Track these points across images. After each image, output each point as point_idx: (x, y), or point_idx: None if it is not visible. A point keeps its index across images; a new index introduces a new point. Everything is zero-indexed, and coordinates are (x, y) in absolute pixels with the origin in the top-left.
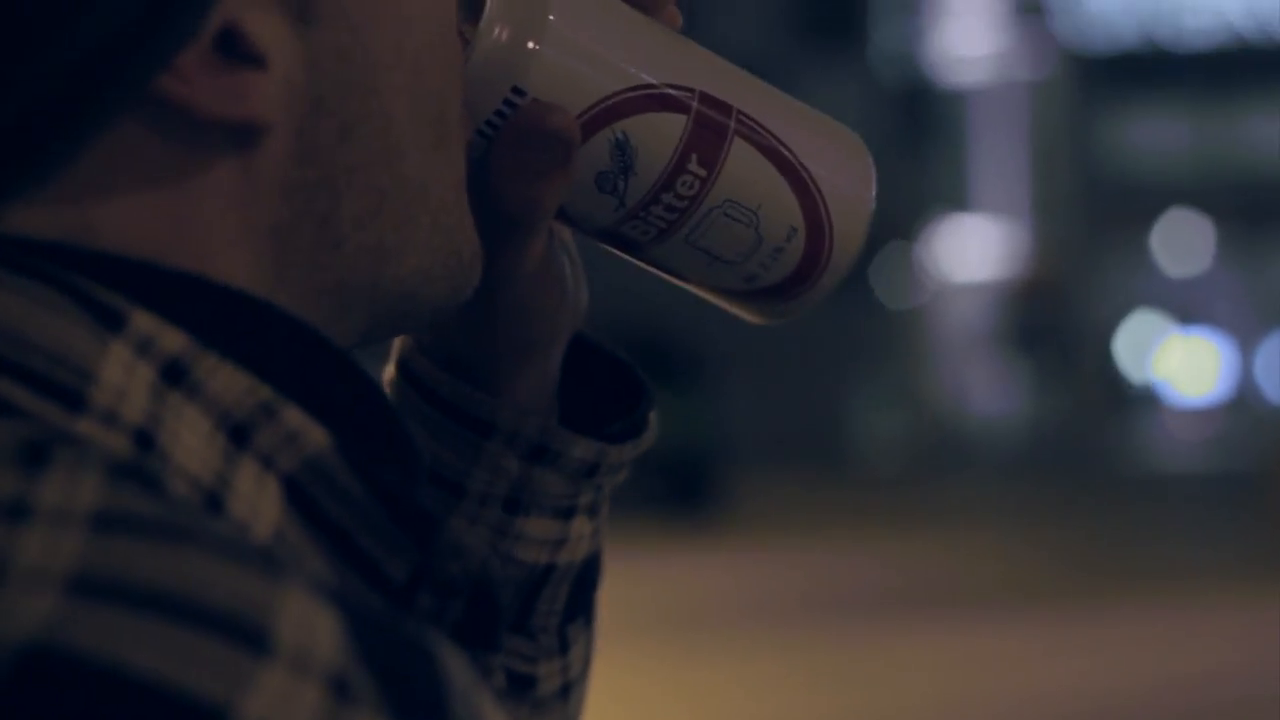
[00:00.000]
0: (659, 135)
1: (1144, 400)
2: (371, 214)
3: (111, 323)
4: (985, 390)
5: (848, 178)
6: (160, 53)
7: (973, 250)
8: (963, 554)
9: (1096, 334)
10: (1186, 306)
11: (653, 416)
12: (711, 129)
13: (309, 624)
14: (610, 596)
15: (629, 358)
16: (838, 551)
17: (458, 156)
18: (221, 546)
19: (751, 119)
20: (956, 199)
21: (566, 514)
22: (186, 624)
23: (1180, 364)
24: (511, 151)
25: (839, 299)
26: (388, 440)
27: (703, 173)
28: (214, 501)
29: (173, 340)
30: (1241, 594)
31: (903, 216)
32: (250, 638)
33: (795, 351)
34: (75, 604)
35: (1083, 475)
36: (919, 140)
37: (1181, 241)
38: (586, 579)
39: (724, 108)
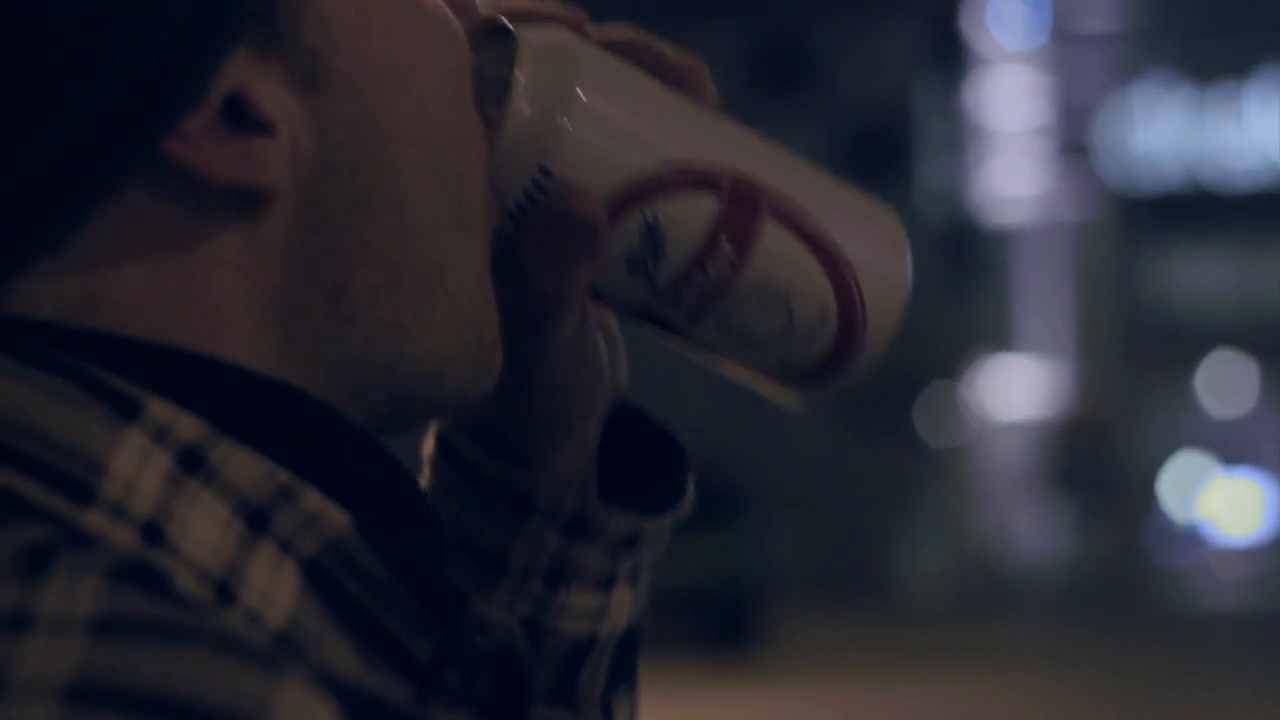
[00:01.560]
0: (689, 216)
1: (1188, 540)
2: (387, 289)
3: (127, 411)
4: (1028, 529)
5: (883, 259)
6: (167, 118)
7: (1016, 389)
8: (1004, 694)
9: (1140, 474)
10: (1231, 447)
11: (691, 485)
12: (743, 209)
13: (307, 718)
14: None
15: (668, 423)
16: (879, 690)
17: (480, 239)
18: (220, 643)
19: (784, 197)
20: (1000, 338)
21: (607, 585)
22: None
23: (1224, 504)
24: (538, 237)
25: (882, 436)
26: (409, 517)
27: (733, 254)
28: (224, 592)
29: (189, 427)
30: None
31: (947, 355)
32: None
33: (838, 488)
34: (71, 712)
35: (1126, 616)
36: (963, 279)
37: (1226, 382)
38: (629, 645)
39: (756, 187)
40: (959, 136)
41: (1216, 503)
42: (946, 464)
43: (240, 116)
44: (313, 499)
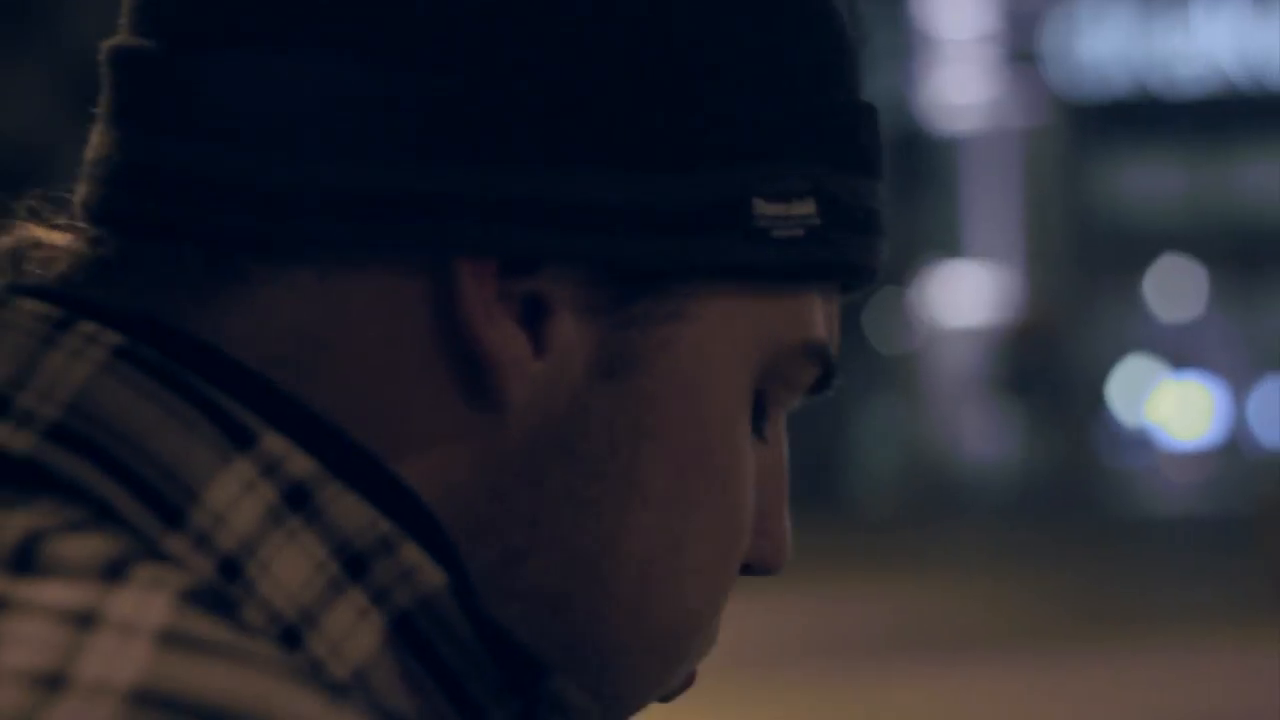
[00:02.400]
0: None
1: (1138, 444)
2: (557, 592)
3: (241, 440)
4: (978, 435)
5: None
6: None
7: (965, 295)
8: (956, 597)
9: (1090, 378)
10: (1179, 351)
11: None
12: None
13: None
14: None
15: None
16: (832, 595)
17: (710, 616)
18: (282, 670)
19: None
20: (949, 245)
21: None
22: None
23: (1173, 408)
24: None
25: None
26: None
27: None
28: (292, 636)
29: (301, 465)
30: (1235, 637)
31: (895, 262)
32: None
33: None
34: (136, 714)
35: (1076, 519)
36: (911, 186)
37: (1174, 287)
38: None
39: None
40: (906, 44)
41: (1165, 407)
42: (896, 370)
43: (531, 317)
44: (412, 553)
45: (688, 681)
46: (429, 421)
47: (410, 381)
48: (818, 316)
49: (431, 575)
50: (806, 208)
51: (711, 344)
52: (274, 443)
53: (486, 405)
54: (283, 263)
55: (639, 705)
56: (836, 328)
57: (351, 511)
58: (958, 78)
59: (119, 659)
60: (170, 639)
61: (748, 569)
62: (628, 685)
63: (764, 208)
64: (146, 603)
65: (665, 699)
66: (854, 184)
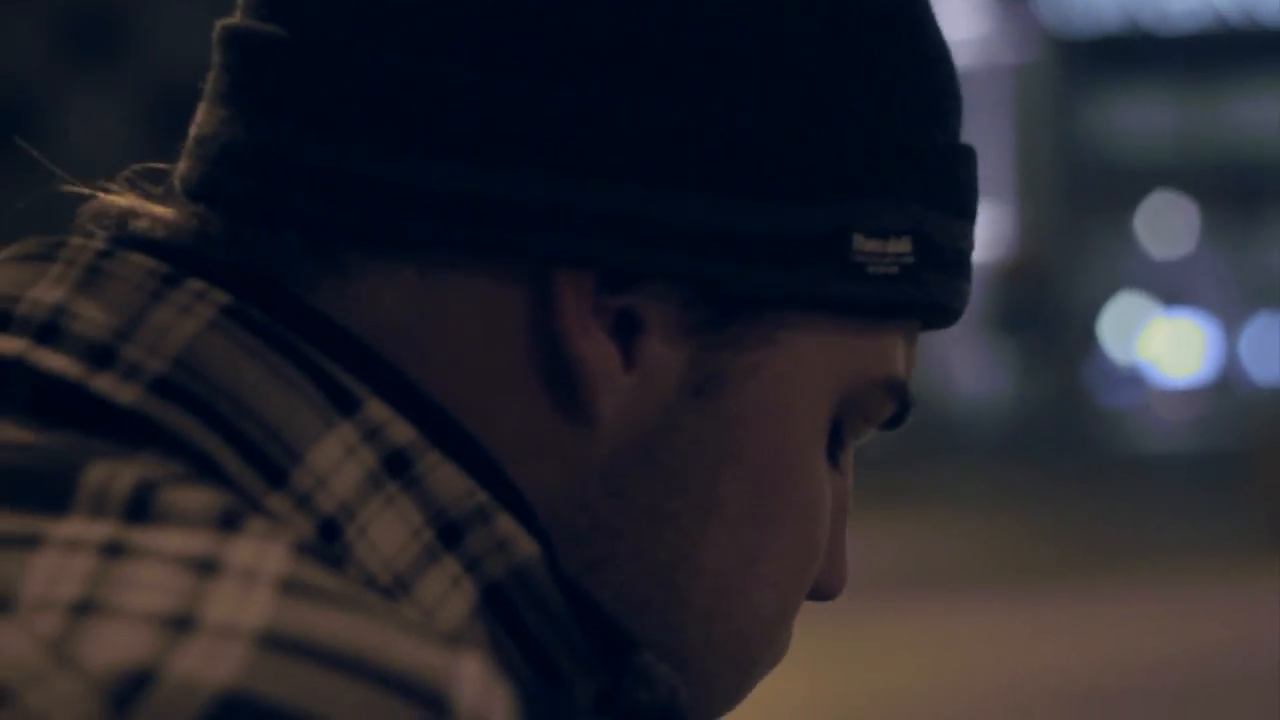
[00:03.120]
0: None
1: (1129, 381)
2: (640, 599)
3: (345, 405)
4: (970, 372)
5: None
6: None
7: None
8: (949, 535)
9: (1081, 316)
10: (1171, 288)
11: None
12: None
13: (486, 694)
14: None
15: None
16: None
17: (781, 629)
18: (399, 619)
19: None
20: None
21: None
22: (372, 684)
23: (1165, 345)
24: None
25: None
26: None
27: None
28: None
29: (402, 431)
30: (1228, 573)
31: None
32: (432, 702)
33: None
34: (266, 656)
35: (1068, 456)
36: None
37: (1166, 223)
38: None
39: None
40: None
41: (1157, 344)
42: None
43: (624, 332)
44: (507, 524)
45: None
46: (518, 427)
47: (503, 387)
48: (900, 353)
49: (525, 546)
50: (903, 245)
51: (799, 372)
52: (377, 409)
53: (575, 416)
54: (385, 258)
55: (716, 712)
56: (913, 363)
57: (449, 480)
58: (947, 14)
59: (244, 604)
60: (292, 586)
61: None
62: (702, 690)
63: (863, 243)
64: (265, 551)
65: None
66: (949, 225)
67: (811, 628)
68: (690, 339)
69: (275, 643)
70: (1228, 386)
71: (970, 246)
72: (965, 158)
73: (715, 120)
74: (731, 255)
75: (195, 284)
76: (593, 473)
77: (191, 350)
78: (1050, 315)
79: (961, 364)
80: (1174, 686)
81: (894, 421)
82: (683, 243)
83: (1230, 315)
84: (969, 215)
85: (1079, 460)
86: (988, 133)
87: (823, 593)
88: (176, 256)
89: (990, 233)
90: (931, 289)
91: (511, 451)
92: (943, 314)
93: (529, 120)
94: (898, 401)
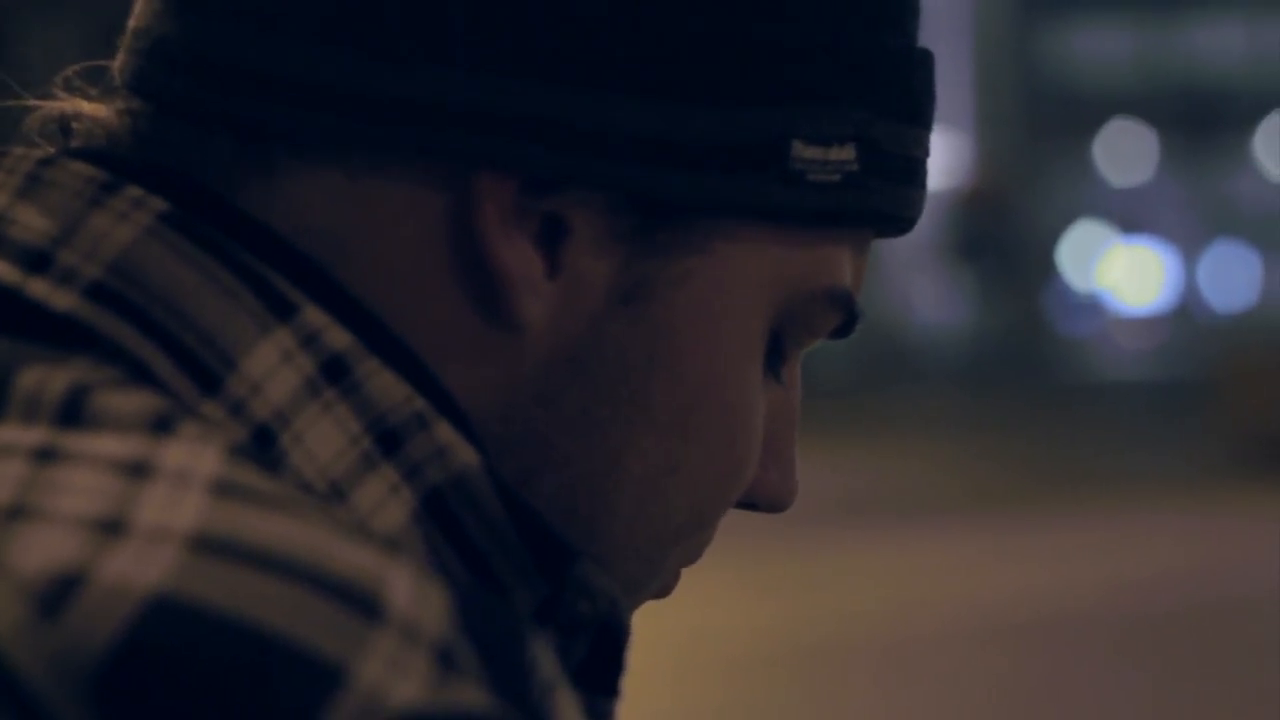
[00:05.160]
0: None
1: (1088, 309)
2: (567, 497)
3: (282, 311)
4: (929, 300)
5: None
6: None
7: None
8: (908, 462)
9: (1040, 243)
10: (1129, 216)
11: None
12: None
13: (419, 596)
14: None
15: None
16: None
17: (696, 532)
18: (336, 522)
19: None
20: None
21: None
22: (304, 585)
23: (1124, 273)
24: None
25: None
26: None
27: None
28: None
29: (339, 338)
30: (1186, 500)
31: None
32: (364, 604)
33: None
34: (198, 559)
35: (1027, 384)
36: None
37: (1124, 151)
38: None
39: None
40: None
41: (1116, 272)
42: None
43: (549, 237)
44: (446, 432)
45: (672, 584)
46: (445, 335)
47: (428, 294)
48: (844, 263)
49: (465, 454)
50: (846, 153)
51: (732, 281)
52: (314, 315)
53: (501, 323)
54: (313, 160)
55: (632, 605)
56: (863, 273)
57: (388, 387)
58: None
59: (175, 506)
60: (224, 488)
61: (753, 505)
62: (623, 585)
63: (803, 150)
64: (197, 453)
65: (658, 596)
66: (899, 132)
67: (772, 554)
68: (619, 246)
69: (206, 545)
70: (1186, 314)
71: (924, 154)
72: (920, 62)
73: (644, 23)
74: (660, 162)
75: (133, 191)
76: (521, 381)
77: (128, 256)
78: (1009, 243)
79: (920, 292)
80: (1132, 612)
81: (841, 332)
82: (609, 149)
83: (1189, 243)
84: (923, 121)
85: (1038, 388)
86: (946, 59)
87: (773, 504)
88: (117, 164)
89: (949, 160)
90: (877, 197)
91: (439, 359)
92: (891, 222)
93: (454, 22)
94: (843, 312)
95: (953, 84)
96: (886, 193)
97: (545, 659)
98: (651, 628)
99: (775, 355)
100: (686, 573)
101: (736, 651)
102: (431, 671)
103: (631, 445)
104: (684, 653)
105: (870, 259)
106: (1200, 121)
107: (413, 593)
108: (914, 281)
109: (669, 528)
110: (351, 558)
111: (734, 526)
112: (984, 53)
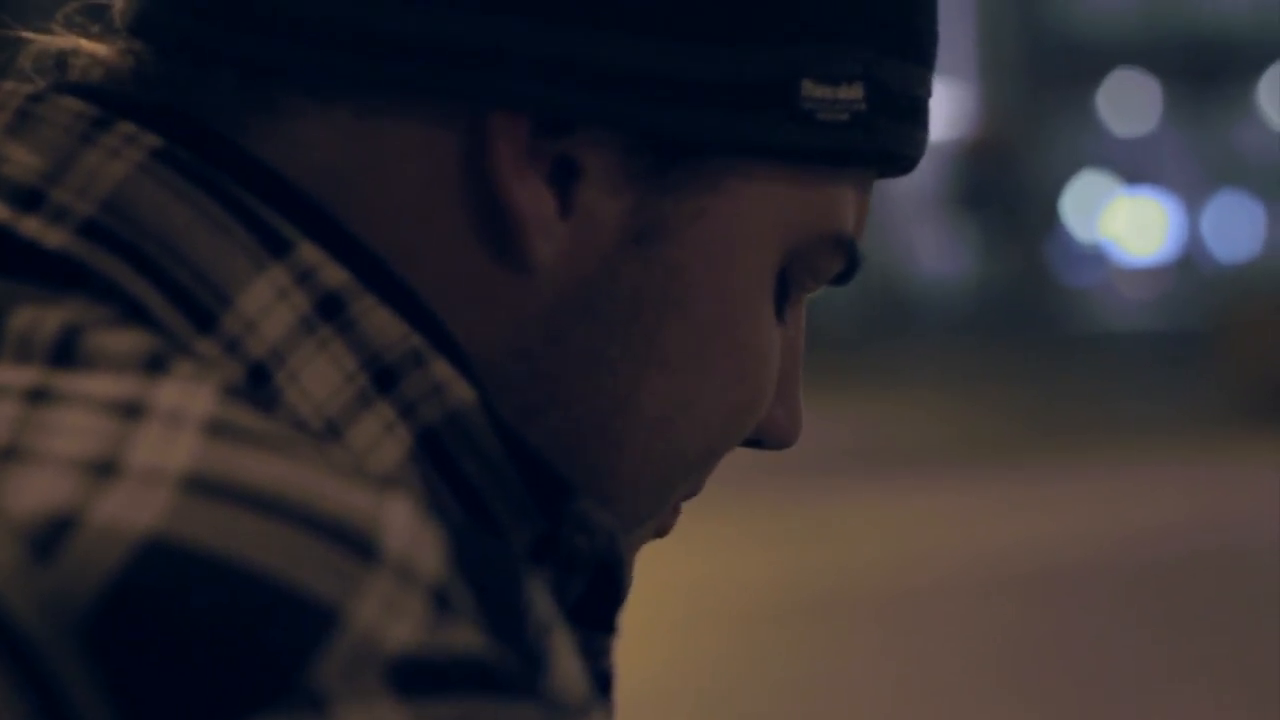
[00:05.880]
0: None
1: (1092, 260)
2: (571, 439)
3: (276, 248)
4: (933, 251)
5: None
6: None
7: None
8: (911, 413)
9: (1044, 194)
10: (1133, 166)
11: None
12: None
13: (415, 538)
14: None
15: None
16: None
17: (703, 468)
18: (330, 461)
19: None
20: None
21: None
22: (299, 527)
23: (1127, 223)
24: None
25: None
26: None
27: None
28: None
29: (335, 275)
30: (1190, 450)
31: None
32: (360, 546)
33: None
34: (191, 500)
35: (1031, 334)
36: None
37: (1128, 101)
38: None
39: None
40: None
41: (1119, 222)
42: None
43: (564, 180)
44: (443, 369)
45: (671, 522)
46: (454, 274)
47: (438, 233)
48: (849, 208)
49: (462, 391)
50: (854, 92)
51: (743, 220)
52: (309, 252)
53: (511, 263)
54: (319, 99)
55: (633, 543)
56: (865, 217)
57: (384, 324)
58: None
59: (169, 447)
60: (218, 428)
61: (760, 444)
62: (626, 521)
63: (812, 89)
64: (191, 393)
65: (658, 535)
66: (904, 71)
67: (774, 506)
68: (631, 185)
69: (200, 486)
70: (1190, 265)
71: (928, 94)
72: (924, 2)
73: None
74: (673, 101)
75: (126, 127)
76: (531, 320)
77: (120, 193)
78: (1012, 193)
79: (923, 243)
80: (1136, 562)
81: (842, 278)
82: (623, 88)
83: (1193, 193)
84: (926, 61)
85: (1041, 339)
86: (950, 9)
87: (779, 440)
88: (109, 100)
89: (952, 111)
90: (884, 136)
91: (447, 298)
92: (896, 162)
93: None
94: (846, 258)
95: (956, 34)
96: (893, 132)
97: (542, 599)
98: (656, 580)
99: (781, 298)
100: (689, 525)
101: (740, 603)
102: (427, 613)
103: (643, 384)
104: (688, 604)
105: (873, 210)
106: (1204, 72)
107: (408, 534)
108: (917, 232)
109: (680, 464)
110: (346, 498)
111: (737, 478)
112: (987, 2)
